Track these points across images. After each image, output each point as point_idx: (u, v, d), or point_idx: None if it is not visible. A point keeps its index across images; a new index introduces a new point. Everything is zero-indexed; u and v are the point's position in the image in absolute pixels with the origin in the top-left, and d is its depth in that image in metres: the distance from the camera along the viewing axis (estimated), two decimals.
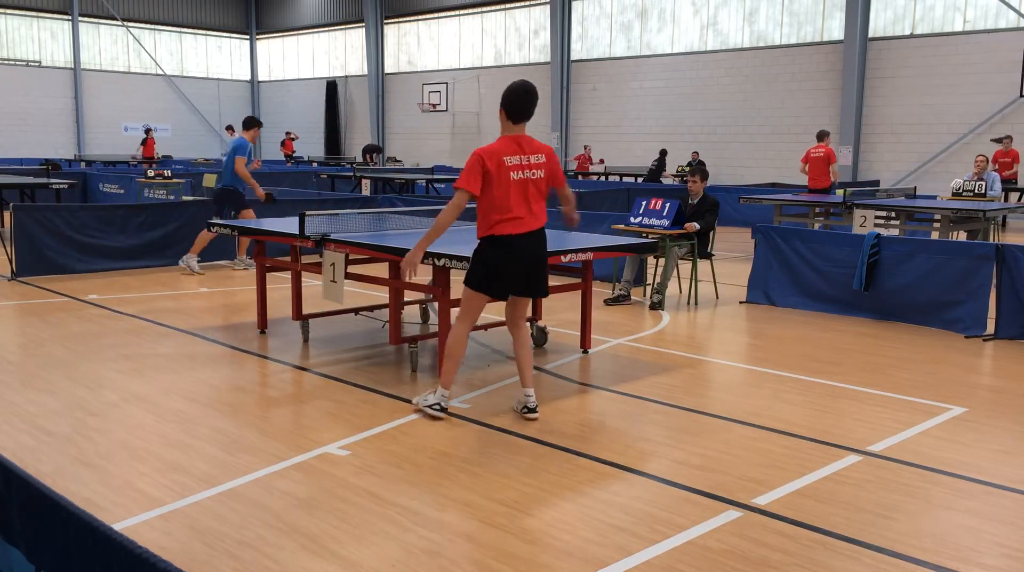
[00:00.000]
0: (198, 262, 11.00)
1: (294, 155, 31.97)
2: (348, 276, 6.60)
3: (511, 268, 5.21)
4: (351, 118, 36.38)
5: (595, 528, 3.83)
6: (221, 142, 37.15)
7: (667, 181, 24.61)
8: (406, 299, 7.47)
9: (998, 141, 18.34)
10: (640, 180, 24.30)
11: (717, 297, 9.69)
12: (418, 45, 34.12)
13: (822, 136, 15.12)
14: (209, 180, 17.91)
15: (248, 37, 40.43)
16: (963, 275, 7.98)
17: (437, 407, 5.32)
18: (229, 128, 28.69)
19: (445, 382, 5.35)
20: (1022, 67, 19.77)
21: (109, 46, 36.34)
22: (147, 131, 29.58)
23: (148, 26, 37.14)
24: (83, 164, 27.16)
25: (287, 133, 33.22)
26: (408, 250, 5.68)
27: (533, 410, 5.33)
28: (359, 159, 30.66)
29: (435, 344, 6.73)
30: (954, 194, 14.13)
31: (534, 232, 5.23)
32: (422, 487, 4.26)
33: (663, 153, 24.65)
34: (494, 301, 5.36)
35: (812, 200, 13.41)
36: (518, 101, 5.13)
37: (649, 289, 9.67)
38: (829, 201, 13.05)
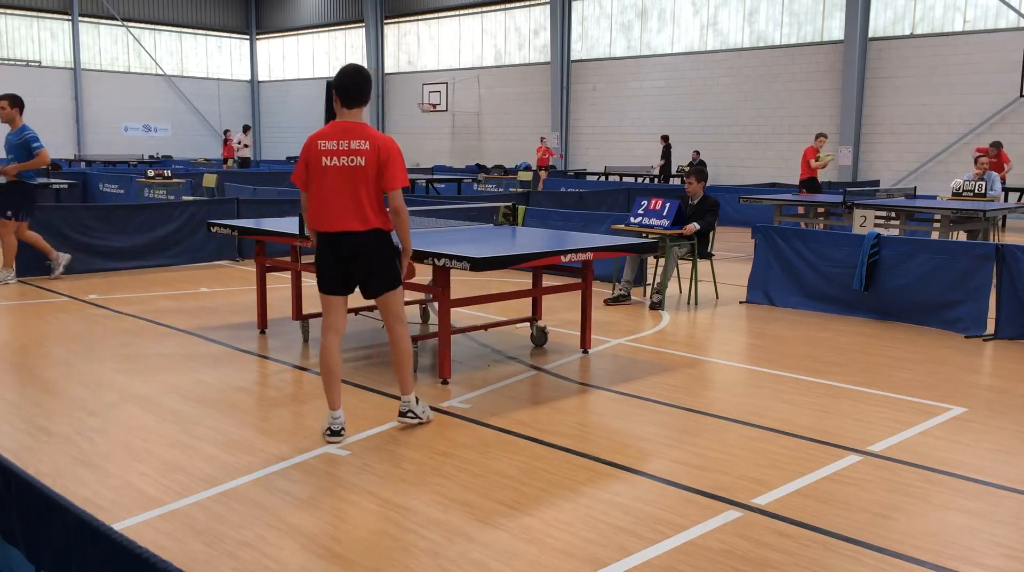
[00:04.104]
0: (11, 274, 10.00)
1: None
2: None
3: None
4: None
5: (595, 528, 3.83)
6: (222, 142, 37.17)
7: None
8: (406, 299, 7.46)
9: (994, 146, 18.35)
10: (657, 181, 24.25)
11: (717, 297, 9.69)
12: (418, 45, 34.13)
13: (816, 137, 16.41)
14: (209, 180, 17.99)
15: (248, 37, 40.44)
16: (963, 275, 7.98)
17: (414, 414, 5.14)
18: (227, 132, 28.64)
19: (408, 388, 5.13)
20: (1022, 67, 19.77)
21: (109, 46, 36.36)
22: (226, 133, 29.26)
23: (148, 26, 37.16)
24: (83, 164, 27.17)
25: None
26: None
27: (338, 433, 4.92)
28: None
29: (435, 344, 6.73)
30: (954, 194, 14.13)
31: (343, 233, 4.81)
32: (422, 487, 4.26)
33: (665, 139, 24.46)
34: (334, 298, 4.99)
35: (812, 200, 13.43)
36: (343, 82, 4.83)
37: (649, 289, 9.67)
38: (829, 201, 13.06)
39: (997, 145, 18.10)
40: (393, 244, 4.97)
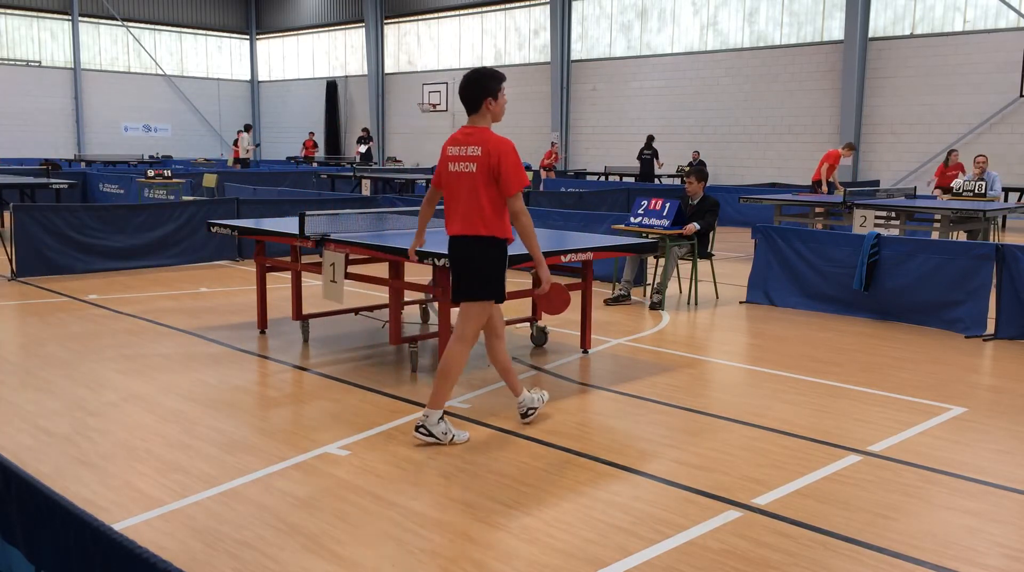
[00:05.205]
0: None
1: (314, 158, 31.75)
2: (348, 276, 6.60)
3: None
4: (351, 118, 36.37)
5: (595, 528, 3.83)
6: (222, 142, 37.17)
7: (662, 176, 24.53)
8: (406, 299, 7.47)
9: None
10: (634, 180, 24.18)
11: (717, 297, 9.69)
12: (418, 45, 34.12)
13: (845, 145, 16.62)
14: (209, 180, 17.99)
15: (248, 37, 40.42)
16: (963, 275, 7.98)
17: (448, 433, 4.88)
18: (239, 133, 28.53)
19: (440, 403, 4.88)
20: (1022, 67, 19.76)
21: (109, 46, 36.33)
22: (239, 134, 28.77)
23: (148, 26, 37.14)
24: (83, 164, 27.16)
25: (311, 133, 33.18)
26: (405, 245, 5.68)
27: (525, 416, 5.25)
28: (357, 159, 30.67)
29: (435, 344, 6.73)
30: (954, 194, 14.12)
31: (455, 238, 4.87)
32: (422, 487, 4.26)
33: (650, 139, 24.25)
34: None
35: (811, 200, 13.43)
36: (460, 90, 4.85)
37: (649, 289, 9.67)
38: (829, 201, 13.06)
39: (947, 155, 17.01)
40: (502, 256, 4.86)
